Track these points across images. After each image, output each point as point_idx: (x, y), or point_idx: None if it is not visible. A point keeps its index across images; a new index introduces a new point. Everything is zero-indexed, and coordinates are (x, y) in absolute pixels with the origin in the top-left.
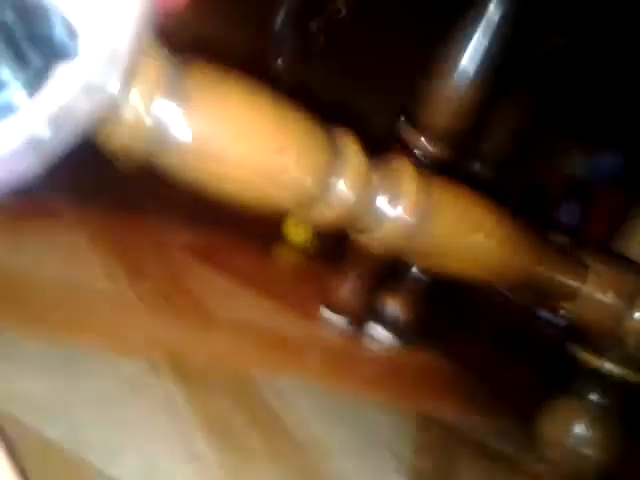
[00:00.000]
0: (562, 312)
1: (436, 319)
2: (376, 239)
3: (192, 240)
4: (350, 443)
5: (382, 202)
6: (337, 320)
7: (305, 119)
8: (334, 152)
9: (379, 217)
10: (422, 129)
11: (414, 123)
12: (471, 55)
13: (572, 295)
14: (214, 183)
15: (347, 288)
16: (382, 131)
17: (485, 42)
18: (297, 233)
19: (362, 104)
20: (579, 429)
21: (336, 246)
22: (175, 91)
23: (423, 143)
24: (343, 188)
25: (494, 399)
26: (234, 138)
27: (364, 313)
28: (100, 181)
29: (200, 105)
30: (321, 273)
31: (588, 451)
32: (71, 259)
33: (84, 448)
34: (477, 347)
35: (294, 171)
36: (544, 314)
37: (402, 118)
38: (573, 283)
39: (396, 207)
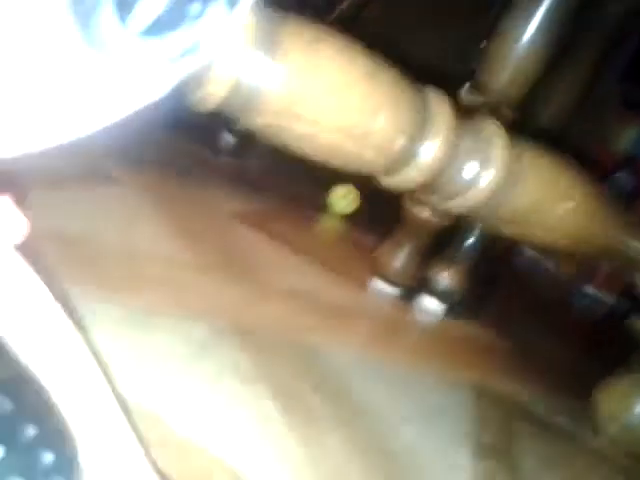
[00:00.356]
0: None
1: (486, 292)
2: (463, 206)
3: (240, 208)
4: (412, 412)
5: (472, 167)
6: (389, 290)
7: (398, 79)
8: (426, 114)
9: (468, 183)
10: (488, 93)
11: (480, 87)
12: (537, 24)
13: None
14: (307, 144)
15: (399, 258)
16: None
17: (549, 12)
18: (343, 202)
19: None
20: (639, 405)
21: (382, 217)
22: (271, 46)
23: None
24: (434, 151)
25: (546, 373)
26: (329, 97)
27: (416, 283)
28: (151, 149)
29: (296, 63)
30: (369, 242)
31: None
32: (130, 225)
33: (155, 406)
34: (525, 321)
35: (387, 133)
36: (590, 290)
37: (468, 84)
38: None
39: (486, 173)
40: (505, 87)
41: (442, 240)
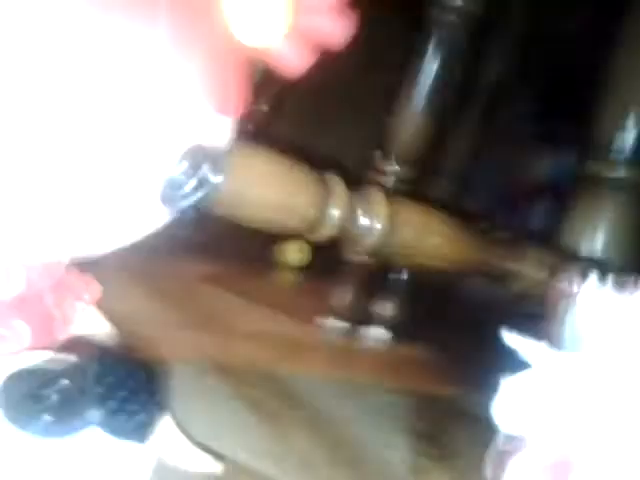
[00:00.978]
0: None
1: (422, 316)
2: (363, 248)
3: (205, 272)
4: (360, 413)
5: (364, 221)
6: (340, 325)
7: (305, 170)
8: (328, 191)
9: (364, 232)
10: (392, 157)
11: (386, 154)
12: (420, 92)
13: (515, 275)
14: (248, 219)
15: (346, 297)
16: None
17: (429, 81)
18: (297, 256)
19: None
20: None
21: (326, 264)
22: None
23: (393, 168)
24: (336, 215)
25: (480, 379)
26: (262, 190)
27: (360, 316)
28: None
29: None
30: (318, 286)
31: None
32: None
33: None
34: (458, 337)
35: (302, 207)
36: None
37: (378, 152)
38: (513, 265)
39: (374, 225)
40: (407, 151)
41: (379, 278)
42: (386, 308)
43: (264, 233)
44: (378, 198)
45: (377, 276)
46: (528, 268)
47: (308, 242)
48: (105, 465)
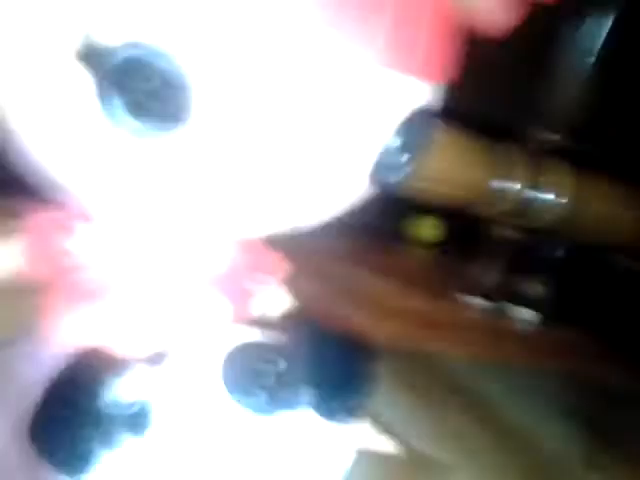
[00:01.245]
0: None
1: (578, 298)
2: (544, 222)
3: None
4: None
5: (549, 197)
6: (484, 304)
7: (484, 142)
8: (508, 165)
9: (546, 208)
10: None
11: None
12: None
13: None
14: (427, 194)
15: (490, 275)
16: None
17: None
18: (427, 230)
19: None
20: None
21: (461, 241)
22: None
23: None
24: (517, 189)
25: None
26: (442, 164)
27: (507, 296)
28: None
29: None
30: (455, 263)
31: None
32: None
33: None
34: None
35: (485, 182)
36: None
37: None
38: None
39: (561, 200)
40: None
41: (527, 253)
42: (536, 288)
43: (392, 208)
44: (563, 169)
45: (526, 253)
46: None
47: (441, 218)
48: (312, 446)
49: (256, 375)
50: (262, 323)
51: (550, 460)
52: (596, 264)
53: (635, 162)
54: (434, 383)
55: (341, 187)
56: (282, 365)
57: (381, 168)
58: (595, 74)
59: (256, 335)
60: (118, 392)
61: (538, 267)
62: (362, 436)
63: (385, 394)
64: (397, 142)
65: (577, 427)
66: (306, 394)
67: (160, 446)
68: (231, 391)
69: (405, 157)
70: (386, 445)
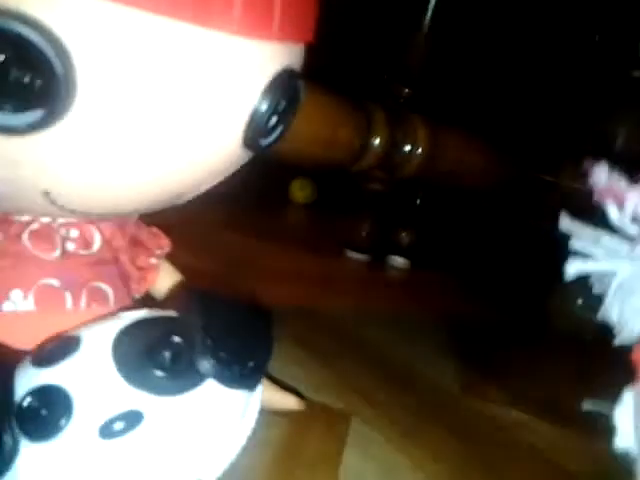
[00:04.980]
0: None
1: (439, 242)
2: (404, 173)
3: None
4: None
5: (406, 148)
6: (360, 257)
7: (346, 100)
8: (369, 120)
9: (406, 157)
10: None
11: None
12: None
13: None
14: (294, 155)
15: (364, 228)
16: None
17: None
18: (298, 192)
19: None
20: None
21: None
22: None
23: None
24: (379, 143)
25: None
26: (307, 125)
27: (382, 247)
28: None
29: None
30: (330, 221)
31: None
32: None
33: None
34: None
35: (349, 139)
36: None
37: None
38: (547, 177)
39: (417, 149)
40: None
41: (399, 207)
42: (404, 236)
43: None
44: (418, 122)
45: (393, 205)
46: (565, 179)
47: (314, 178)
48: (218, 416)
49: (150, 357)
50: (149, 301)
51: (432, 392)
52: (453, 211)
53: (482, 113)
54: (326, 336)
55: (215, 154)
56: (176, 340)
57: (251, 132)
58: (440, 32)
59: (144, 314)
60: (17, 384)
61: (405, 217)
62: (263, 397)
63: (281, 353)
64: (264, 106)
65: (453, 361)
66: (205, 365)
67: (66, 439)
68: (126, 377)
69: (274, 120)
70: (286, 401)
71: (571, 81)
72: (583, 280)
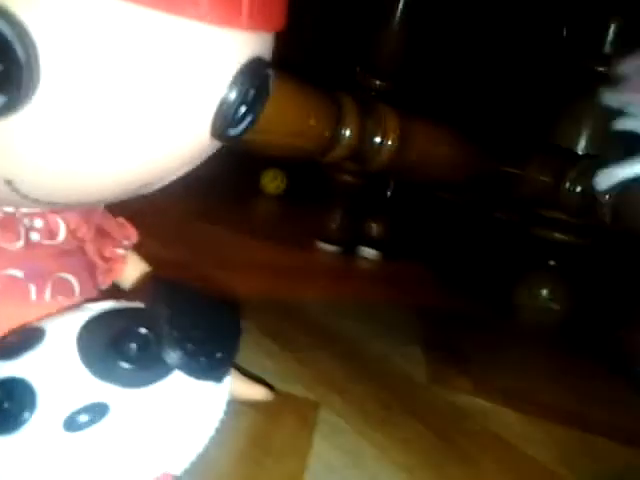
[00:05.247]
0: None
1: (410, 233)
2: (374, 164)
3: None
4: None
5: (377, 140)
6: (331, 248)
7: (316, 90)
8: (340, 111)
9: (376, 149)
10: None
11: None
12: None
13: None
14: (264, 146)
15: (335, 220)
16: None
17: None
18: (269, 183)
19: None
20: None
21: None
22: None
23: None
24: (349, 134)
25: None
26: (277, 116)
27: (350, 237)
28: None
29: None
30: (301, 212)
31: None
32: None
33: None
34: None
35: (320, 130)
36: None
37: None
38: (514, 170)
39: (387, 141)
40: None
41: (369, 199)
42: (375, 227)
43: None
44: (388, 113)
45: (364, 196)
46: (532, 172)
47: (285, 169)
48: (185, 408)
49: (115, 350)
50: (115, 293)
51: (402, 382)
52: (423, 202)
53: (452, 105)
54: (296, 328)
55: (182, 144)
56: (143, 332)
57: (219, 122)
58: (411, 24)
59: (110, 306)
60: None
61: (375, 208)
62: (232, 388)
63: (251, 345)
64: (233, 95)
65: (423, 351)
66: (172, 356)
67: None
68: (92, 371)
69: (242, 110)
70: (255, 392)
71: (538, 75)
72: (548, 271)
